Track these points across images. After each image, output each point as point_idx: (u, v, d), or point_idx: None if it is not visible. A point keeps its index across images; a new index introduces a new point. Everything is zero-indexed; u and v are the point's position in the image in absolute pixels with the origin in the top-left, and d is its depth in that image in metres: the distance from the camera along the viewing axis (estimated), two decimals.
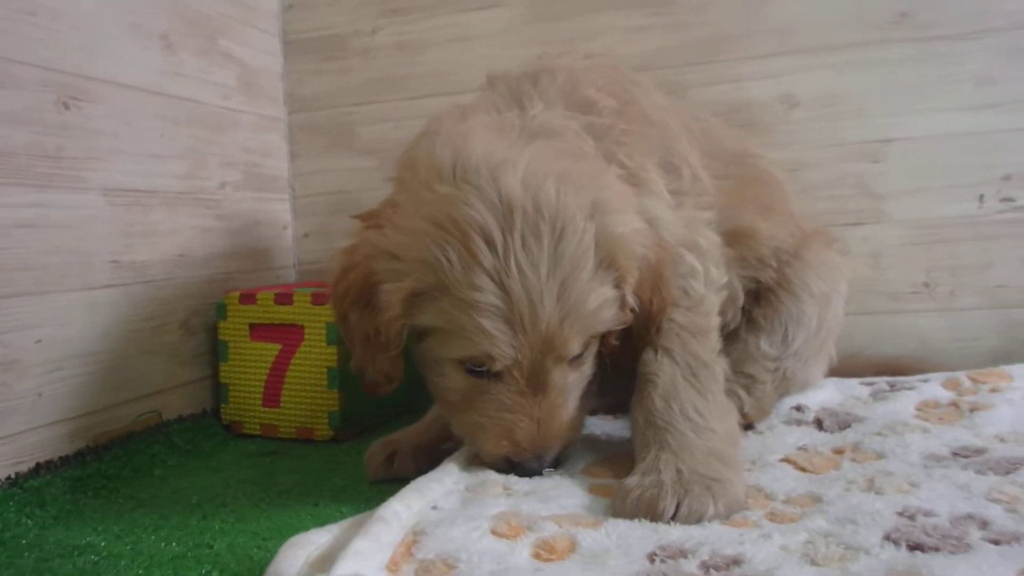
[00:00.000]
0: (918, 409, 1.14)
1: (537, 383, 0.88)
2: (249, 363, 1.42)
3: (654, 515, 0.79)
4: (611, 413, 1.23)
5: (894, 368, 1.37)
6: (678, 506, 0.79)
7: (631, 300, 0.90)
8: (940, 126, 1.48)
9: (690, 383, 0.92)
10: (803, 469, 0.95)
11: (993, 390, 1.18)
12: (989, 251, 1.47)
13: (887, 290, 1.52)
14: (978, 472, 0.87)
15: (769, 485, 0.89)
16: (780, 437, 1.09)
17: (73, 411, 1.19)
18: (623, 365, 0.95)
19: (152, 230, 1.36)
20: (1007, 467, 0.88)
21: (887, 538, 0.71)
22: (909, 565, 0.65)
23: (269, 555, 0.70)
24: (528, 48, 1.58)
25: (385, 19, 1.74)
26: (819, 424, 1.13)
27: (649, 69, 1.54)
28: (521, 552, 0.72)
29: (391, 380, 0.95)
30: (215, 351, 1.47)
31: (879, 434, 1.04)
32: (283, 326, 1.40)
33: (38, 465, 1.11)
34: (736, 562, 0.68)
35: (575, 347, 0.88)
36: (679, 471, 0.83)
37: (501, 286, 0.82)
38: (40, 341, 1.14)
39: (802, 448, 1.03)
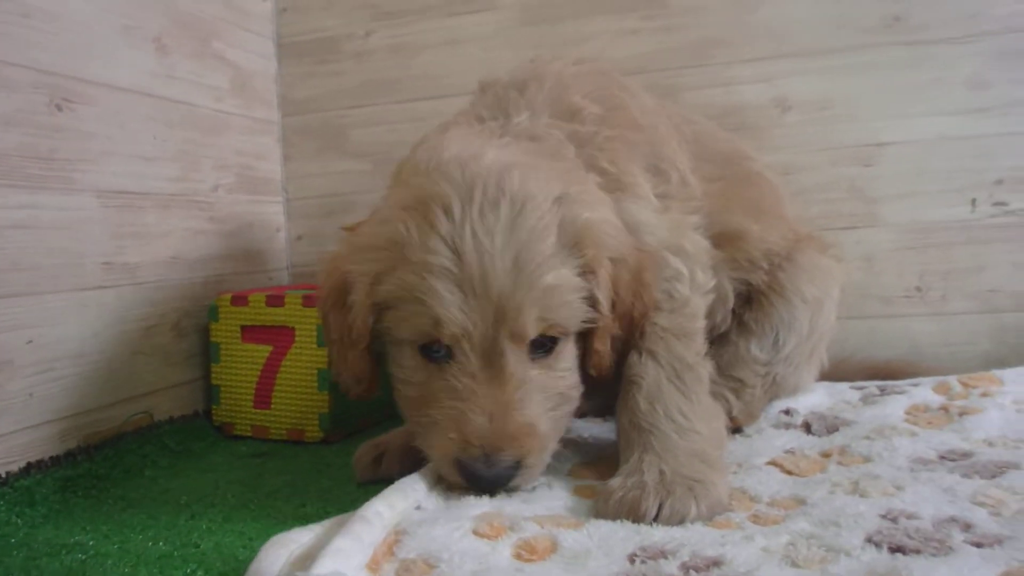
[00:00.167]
0: (907, 413, 1.14)
1: (492, 366, 0.84)
2: (240, 365, 1.43)
3: (636, 516, 0.79)
4: (600, 415, 1.23)
5: (885, 372, 1.37)
6: (660, 507, 0.79)
7: (601, 297, 0.88)
8: (932, 130, 1.48)
9: (674, 385, 0.92)
10: (789, 472, 0.95)
11: (984, 394, 1.18)
12: (981, 255, 1.47)
13: (880, 294, 1.52)
14: (964, 475, 0.87)
15: (754, 487, 0.89)
16: (768, 440, 1.09)
17: (64, 411, 1.19)
18: (608, 369, 0.94)
19: (145, 232, 1.37)
20: (994, 471, 0.88)
21: (869, 540, 0.71)
22: (889, 567, 0.65)
23: (254, 555, 0.71)
24: (520, 51, 1.59)
25: (378, 22, 1.74)
26: (807, 428, 1.12)
27: (641, 73, 1.55)
28: (502, 552, 0.72)
29: (360, 381, 0.95)
30: (207, 353, 1.47)
31: (867, 438, 1.04)
32: (274, 328, 1.40)
33: (28, 465, 1.12)
34: (716, 563, 0.68)
35: (530, 324, 0.84)
36: (662, 472, 0.83)
37: (455, 250, 0.83)
38: (31, 341, 1.14)
39: (789, 451, 1.03)
